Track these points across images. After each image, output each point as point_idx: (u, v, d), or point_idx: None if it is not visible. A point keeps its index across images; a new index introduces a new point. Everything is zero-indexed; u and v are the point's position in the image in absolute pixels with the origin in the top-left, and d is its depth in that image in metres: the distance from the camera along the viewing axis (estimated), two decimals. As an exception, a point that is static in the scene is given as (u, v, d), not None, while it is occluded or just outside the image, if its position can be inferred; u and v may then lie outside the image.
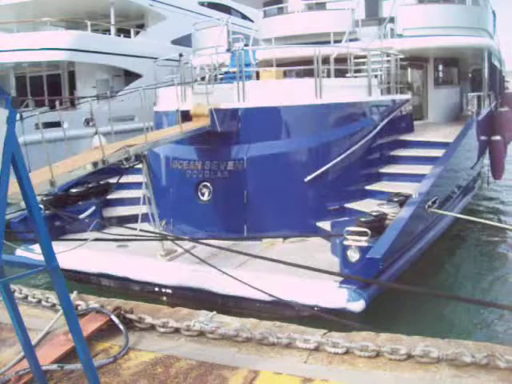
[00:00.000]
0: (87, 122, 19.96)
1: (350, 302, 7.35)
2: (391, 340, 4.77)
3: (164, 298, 8.74)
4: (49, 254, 3.55)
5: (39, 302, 6.07)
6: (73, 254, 8.03)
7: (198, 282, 8.39)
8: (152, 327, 5.32)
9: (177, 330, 5.25)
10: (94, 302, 5.89)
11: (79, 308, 5.70)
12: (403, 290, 7.21)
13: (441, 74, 18.88)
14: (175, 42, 25.66)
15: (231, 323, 5.28)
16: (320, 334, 4.95)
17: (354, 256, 7.79)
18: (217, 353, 4.80)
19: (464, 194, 13.50)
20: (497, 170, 17.28)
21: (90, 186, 12.17)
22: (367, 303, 7.39)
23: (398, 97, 13.43)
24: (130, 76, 23.27)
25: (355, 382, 4.20)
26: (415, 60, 16.67)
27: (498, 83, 19.12)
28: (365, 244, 7.76)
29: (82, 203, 11.59)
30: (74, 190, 11.77)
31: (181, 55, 11.41)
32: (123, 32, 24.73)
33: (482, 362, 4.26)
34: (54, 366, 4.55)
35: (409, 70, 17.23)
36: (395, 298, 7.87)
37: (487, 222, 11.30)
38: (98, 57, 21.57)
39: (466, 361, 4.28)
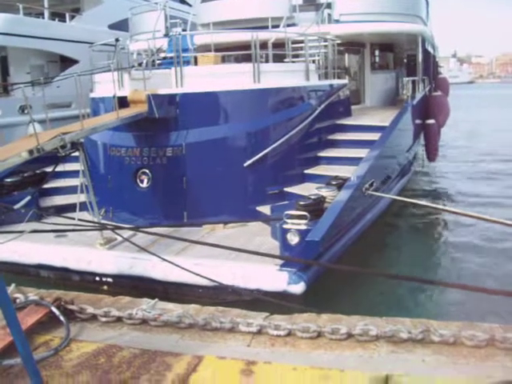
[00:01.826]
0: (22, 110, 19.33)
1: (291, 284, 7.43)
2: (332, 320, 4.83)
3: (105, 288, 8.62)
4: (-19, 246, 3.44)
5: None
6: (9, 246, 7.82)
7: (139, 269, 8.33)
8: (94, 317, 5.20)
9: (119, 319, 5.15)
10: (33, 294, 5.70)
11: (18, 301, 5.53)
12: (343, 270, 7.36)
13: (377, 59, 19.29)
14: (112, 26, 25.04)
15: (174, 310, 5.25)
16: (262, 317, 4.97)
17: (293, 239, 7.90)
18: (160, 340, 4.76)
19: (401, 176, 13.88)
20: (431, 152, 17.86)
21: (25, 175, 11.84)
22: (307, 285, 7.49)
23: (336, 81, 13.61)
24: (66, 62, 22.61)
25: (297, 362, 4.26)
26: (352, 45, 16.97)
27: (431, 68, 19.66)
28: (304, 227, 7.88)
29: (18, 193, 11.27)
30: (8, 180, 11.43)
31: (117, 40, 11.18)
32: (58, 16, 23.98)
33: (418, 337, 4.40)
34: (-9, 362, 4.43)
35: (346, 55, 17.52)
36: (335, 279, 8.03)
37: (422, 202, 11.72)
38: (31, 41, 20.83)
39: (403, 337, 4.41)
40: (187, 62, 11.98)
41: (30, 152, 7.60)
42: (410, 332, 4.42)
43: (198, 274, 7.54)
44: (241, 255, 7.10)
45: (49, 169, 11.92)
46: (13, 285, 5.93)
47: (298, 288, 7.42)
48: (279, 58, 12.62)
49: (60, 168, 11.49)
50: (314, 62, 12.93)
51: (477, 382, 3.78)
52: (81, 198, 9.29)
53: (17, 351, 3.72)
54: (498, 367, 3.93)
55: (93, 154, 11.13)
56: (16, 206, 10.33)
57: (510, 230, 10.48)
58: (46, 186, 11.96)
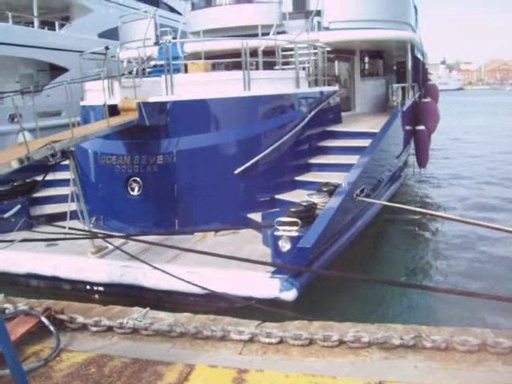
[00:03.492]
0: (12, 118, 19.26)
1: (283, 291, 7.38)
2: (323, 327, 4.83)
3: (96, 296, 8.54)
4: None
5: (-38, 308, 5.82)
6: (-2, 255, 7.78)
7: (130, 278, 8.25)
8: (84, 327, 5.16)
9: (110, 329, 5.12)
10: (22, 304, 5.65)
11: (7, 311, 5.48)
12: (334, 276, 7.35)
13: (367, 66, 19.41)
14: (102, 35, 25.08)
15: (165, 319, 5.22)
16: (254, 325, 4.96)
17: (285, 246, 7.87)
18: (151, 349, 4.74)
19: (391, 182, 13.91)
20: (422, 158, 17.93)
21: (15, 184, 11.77)
22: (299, 292, 7.45)
23: (326, 89, 13.66)
24: (55, 70, 22.58)
25: (289, 370, 4.25)
26: (342, 52, 17.05)
27: (421, 75, 19.75)
28: (295, 234, 7.84)
29: (8, 202, 11.18)
30: (-2, 189, 11.37)
31: (107, 48, 11.17)
32: (47, 25, 23.97)
33: (410, 343, 4.40)
34: (-20, 375, 4.37)
35: (336, 62, 17.62)
36: (327, 285, 8.01)
37: (412, 208, 11.74)
38: (20, 50, 20.81)
39: (395, 343, 4.41)
40: (177, 70, 11.99)
41: (20, 161, 7.55)
42: (401, 338, 4.43)
43: (189, 282, 7.53)
44: (232, 262, 7.07)
45: (39, 177, 11.86)
46: (2, 295, 5.89)
47: (290, 295, 7.39)
48: (269, 66, 12.66)
49: (50, 177, 11.44)
50: (304, 69, 12.97)
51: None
52: (71, 206, 9.25)
53: (6, 362, 3.67)
54: (490, 372, 3.94)
55: (83, 162, 11.09)
56: (6, 215, 10.26)
57: (500, 235, 10.54)
58: (36, 194, 11.89)
